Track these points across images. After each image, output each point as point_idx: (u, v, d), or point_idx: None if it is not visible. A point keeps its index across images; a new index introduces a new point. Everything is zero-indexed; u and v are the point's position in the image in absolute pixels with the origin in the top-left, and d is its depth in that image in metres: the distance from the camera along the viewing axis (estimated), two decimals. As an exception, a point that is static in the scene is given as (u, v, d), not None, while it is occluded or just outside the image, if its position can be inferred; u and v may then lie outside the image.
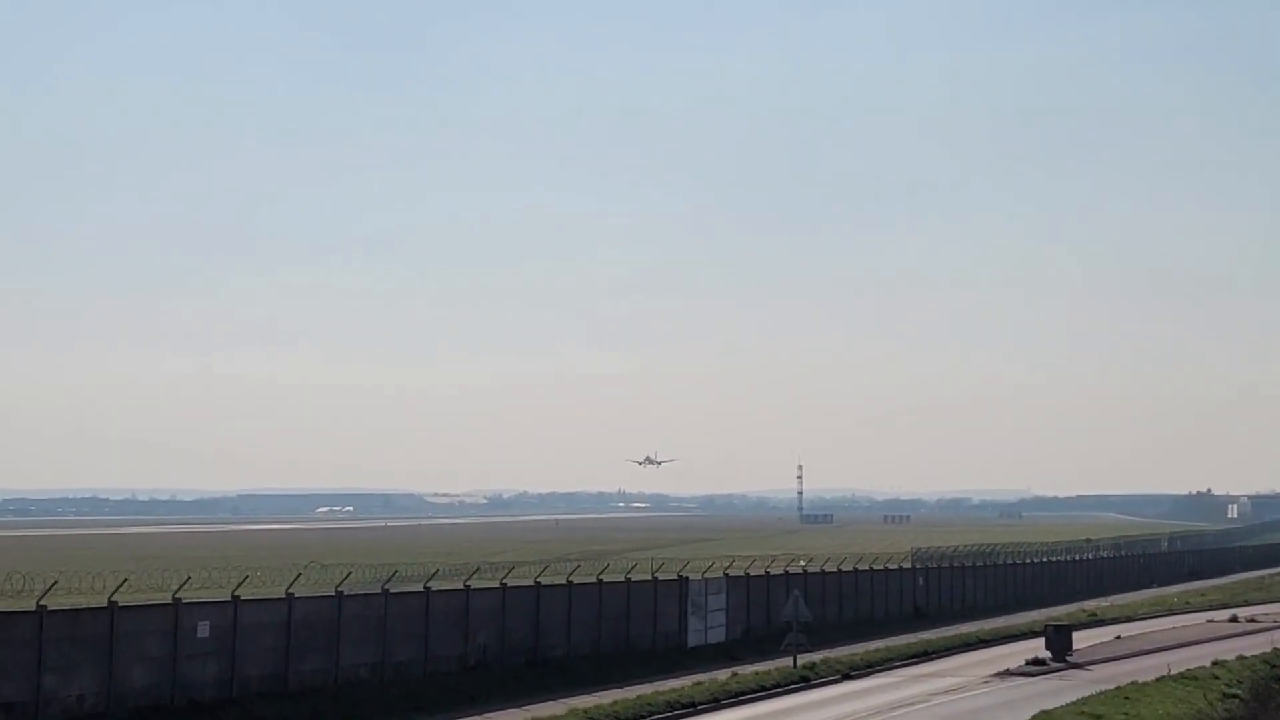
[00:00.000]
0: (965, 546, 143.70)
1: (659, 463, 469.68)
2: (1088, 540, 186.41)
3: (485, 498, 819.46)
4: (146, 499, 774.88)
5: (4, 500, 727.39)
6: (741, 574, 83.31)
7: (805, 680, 62.88)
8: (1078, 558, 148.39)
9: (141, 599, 53.91)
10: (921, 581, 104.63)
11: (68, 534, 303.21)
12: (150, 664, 47.18)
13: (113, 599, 47.03)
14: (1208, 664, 64.99)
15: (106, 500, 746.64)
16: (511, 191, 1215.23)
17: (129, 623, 46.78)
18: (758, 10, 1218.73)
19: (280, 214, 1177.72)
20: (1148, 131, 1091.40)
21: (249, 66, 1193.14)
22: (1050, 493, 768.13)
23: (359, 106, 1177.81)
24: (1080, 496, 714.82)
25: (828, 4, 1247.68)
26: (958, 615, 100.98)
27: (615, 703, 52.94)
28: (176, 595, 49.58)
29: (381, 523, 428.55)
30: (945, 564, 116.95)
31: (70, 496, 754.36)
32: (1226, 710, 51.65)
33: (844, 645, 77.30)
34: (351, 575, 74.10)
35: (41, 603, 44.86)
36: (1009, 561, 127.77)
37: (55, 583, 50.79)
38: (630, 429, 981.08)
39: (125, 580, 53.35)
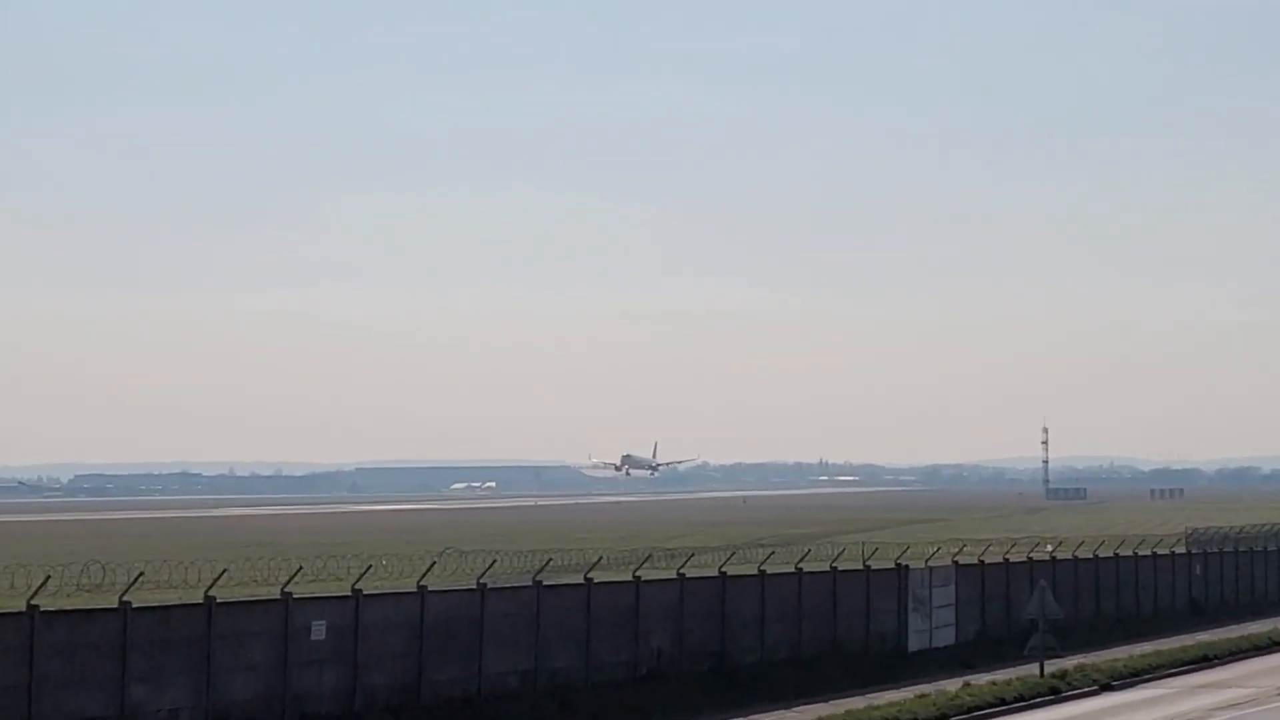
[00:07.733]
0: (1253, 526, 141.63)
1: (655, 467, 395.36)
2: None
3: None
4: (246, 474, 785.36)
5: (77, 476, 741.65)
6: (974, 561, 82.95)
7: (1055, 692, 62.61)
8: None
9: (244, 594, 54.81)
10: (1199, 570, 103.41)
11: (153, 516, 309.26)
12: (255, 672, 47.87)
13: (210, 594, 47.69)
14: None
15: (199, 476, 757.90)
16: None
17: (229, 623, 47.41)
18: None
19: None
20: None
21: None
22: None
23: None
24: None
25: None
26: (1244, 611, 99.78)
27: (820, 719, 52.98)
28: (286, 590, 50.18)
29: (530, 501, 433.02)
30: (1229, 548, 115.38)
31: (156, 472, 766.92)
32: None
33: (1102, 649, 76.89)
34: (496, 564, 74.77)
35: (125, 599, 45.42)
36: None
37: (141, 574, 51.45)
38: (835, 388, 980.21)
39: (224, 572, 54.10)
